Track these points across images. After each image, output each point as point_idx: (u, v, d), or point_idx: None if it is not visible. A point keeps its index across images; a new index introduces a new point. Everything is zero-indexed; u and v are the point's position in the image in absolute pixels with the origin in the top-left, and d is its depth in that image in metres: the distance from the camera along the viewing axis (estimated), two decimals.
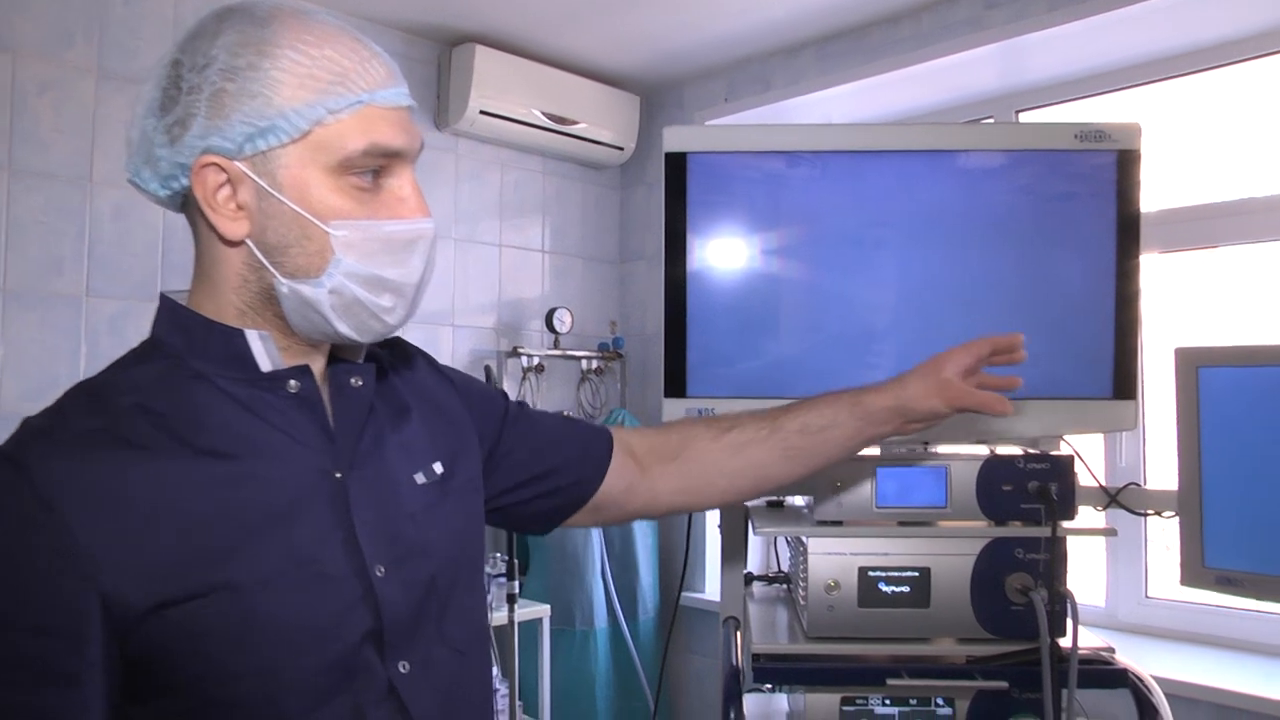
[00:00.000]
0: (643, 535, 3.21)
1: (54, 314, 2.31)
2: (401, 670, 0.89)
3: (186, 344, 0.88)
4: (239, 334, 0.87)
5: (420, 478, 0.98)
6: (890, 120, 3.19)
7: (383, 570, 0.89)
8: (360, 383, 0.94)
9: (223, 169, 0.84)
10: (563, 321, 3.20)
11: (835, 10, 2.82)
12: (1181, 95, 2.64)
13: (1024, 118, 2.88)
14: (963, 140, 1.45)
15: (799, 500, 1.50)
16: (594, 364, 3.39)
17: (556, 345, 3.24)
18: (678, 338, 1.47)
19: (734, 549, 1.55)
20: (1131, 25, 2.46)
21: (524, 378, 3.17)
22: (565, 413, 1.21)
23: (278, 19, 0.84)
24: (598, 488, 1.16)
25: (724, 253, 1.46)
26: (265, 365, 0.88)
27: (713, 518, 1.60)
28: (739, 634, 1.46)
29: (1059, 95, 2.81)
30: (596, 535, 3.07)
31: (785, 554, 1.62)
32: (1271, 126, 2.51)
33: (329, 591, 0.86)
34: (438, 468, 1.01)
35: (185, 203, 0.88)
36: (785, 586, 1.57)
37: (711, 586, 3.27)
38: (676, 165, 1.46)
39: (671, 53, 3.19)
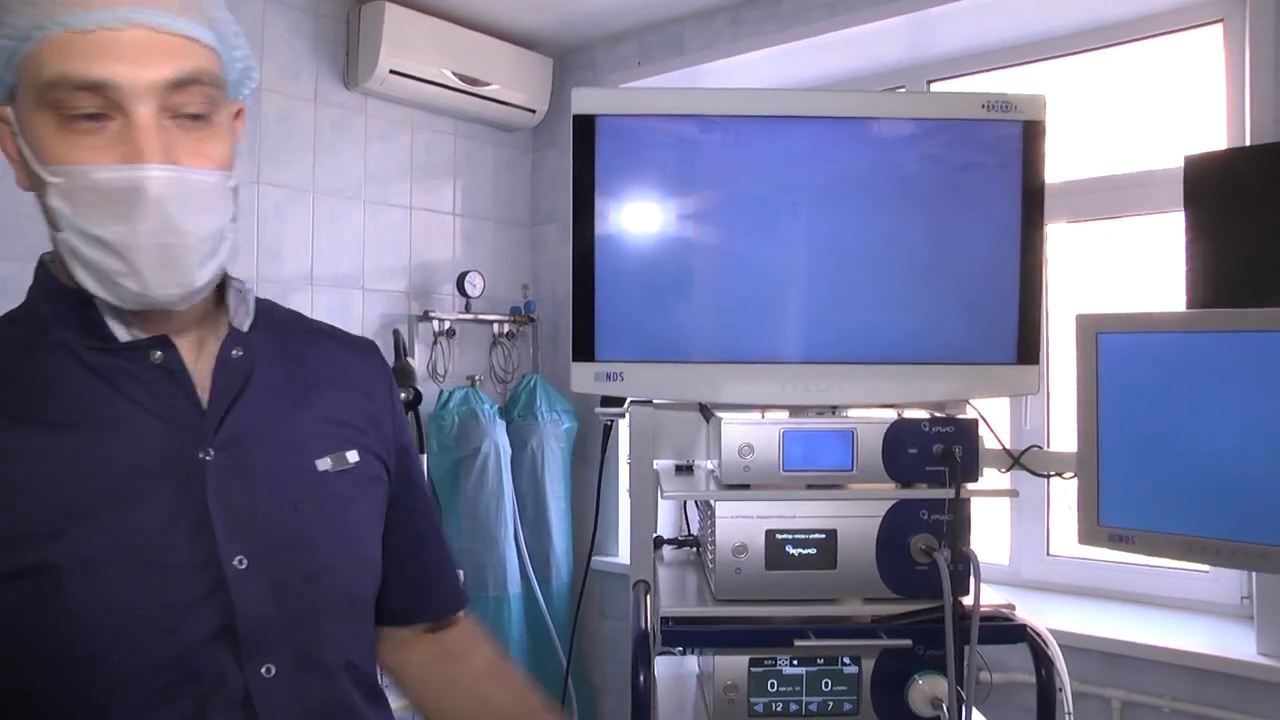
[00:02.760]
0: (555, 500, 3.20)
1: None
2: (264, 674, 0.82)
3: (52, 311, 0.83)
4: (90, 303, 0.82)
5: (325, 463, 0.92)
6: (803, 87, 3.20)
7: (244, 562, 0.82)
8: (240, 353, 0.89)
9: (3, 117, 0.81)
10: (474, 285, 3.16)
11: None
12: (1087, 70, 2.70)
13: (934, 88, 2.92)
14: (874, 108, 1.45)
15: (709, 464, 1.50)
16: (506, 328, 3.35)
17: (468, 309, 3.19)
18: (585, 301, 1.46)
19: (643, 513, 1.54)
20: (1036, 2, 2.51)
21: (435, 342, 3.12)
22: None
23: None
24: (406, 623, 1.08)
25: (633, 216, 1.45)
26: (122, 335, 0.83)
27: (623, 482, 1.60)
28: (649, 597, 1.46)
29: (968, 67, 2.85)
30: (510, 500, 3.05)
31: (693, 519, 1.62)
32: (1169, 102, 2.58)
33: (168, 581, 0.79)
34: (351, 456, 0.95)
35: None
36: (695, 550, 1.57)
37: (624, 550, 3.28)
38: (585, 127, 1.44)
39: (585, 15, 3.15)
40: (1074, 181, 2.59)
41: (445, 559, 1.13)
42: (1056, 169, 2.52)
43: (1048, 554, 2.64)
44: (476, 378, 3.19)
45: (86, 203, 0.77)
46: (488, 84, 3.19)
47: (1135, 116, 2.64)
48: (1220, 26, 2.46)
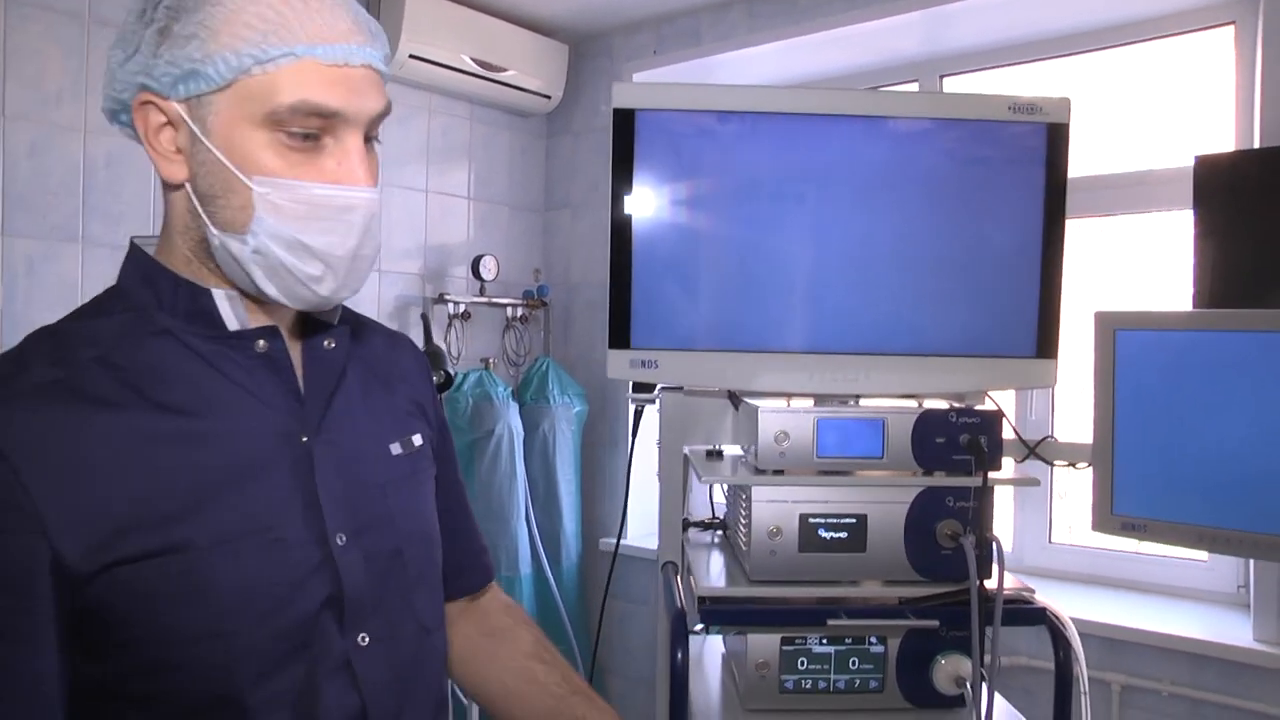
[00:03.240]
0: (566, 482, 3.26)
1: None
2: (360, 643, 0.89)
3: (154, 297, 0.87)
4: (206, 293, 0.86)
5: (396, 448, 0.98)
6: (817, 80, 3.24)
7: (344, 539, 0.88)
8: (333, 345, 0.94)
9: (162, 109, 0.82)
10: (488, 269, 3.20)
11: None
12: (1098, 68, 2.74)
13: (947, 83, 2.96)
14: (904, 107, 1.50)
15: (737, 450, 1.55)
16: (519, 311, 3.40)
17: (482, 292, 3.24)
18: (622, 291, 1.50)
19: (673, 497, 1.60)
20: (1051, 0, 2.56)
21: (450, 325, 3.16)
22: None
23: None
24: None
25: (668, 209, 1.49)
26: (233, 324, 0.87)
27: (651, 466, 1.65)
28: (679, 578, 1.52)
29: (981, 63, 2.89)
30: (521, 482, 3.11)
31: (717, 502, 1.68)
32: (1179, 102, 2.63)
33: (286, 557, 0.84)
34: (417, 439, 1.01)
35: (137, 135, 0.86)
36: (720, 533, 1.63)
37: (634, 533, 3.34)
38: (624, 121, 1.48)
39: (602, 3, 3.18)
40: (1082, 178, 2.63)
41: (477, 531, 1.20)
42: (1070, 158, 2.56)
43: (1049, 542, 2.71)
44: (490, 360, 3.23)
45: (297, 214, 0.82)
46: (504, 70, 3.22)
47: (1145, 115, 2.69)
48: (1231, 29, 2.51)
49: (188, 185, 0.83)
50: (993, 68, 2.89)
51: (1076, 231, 2.63)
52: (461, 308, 3.18)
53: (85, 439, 0.78)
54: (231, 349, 0.87)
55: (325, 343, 0.94)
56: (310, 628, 0.85)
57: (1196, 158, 2.22)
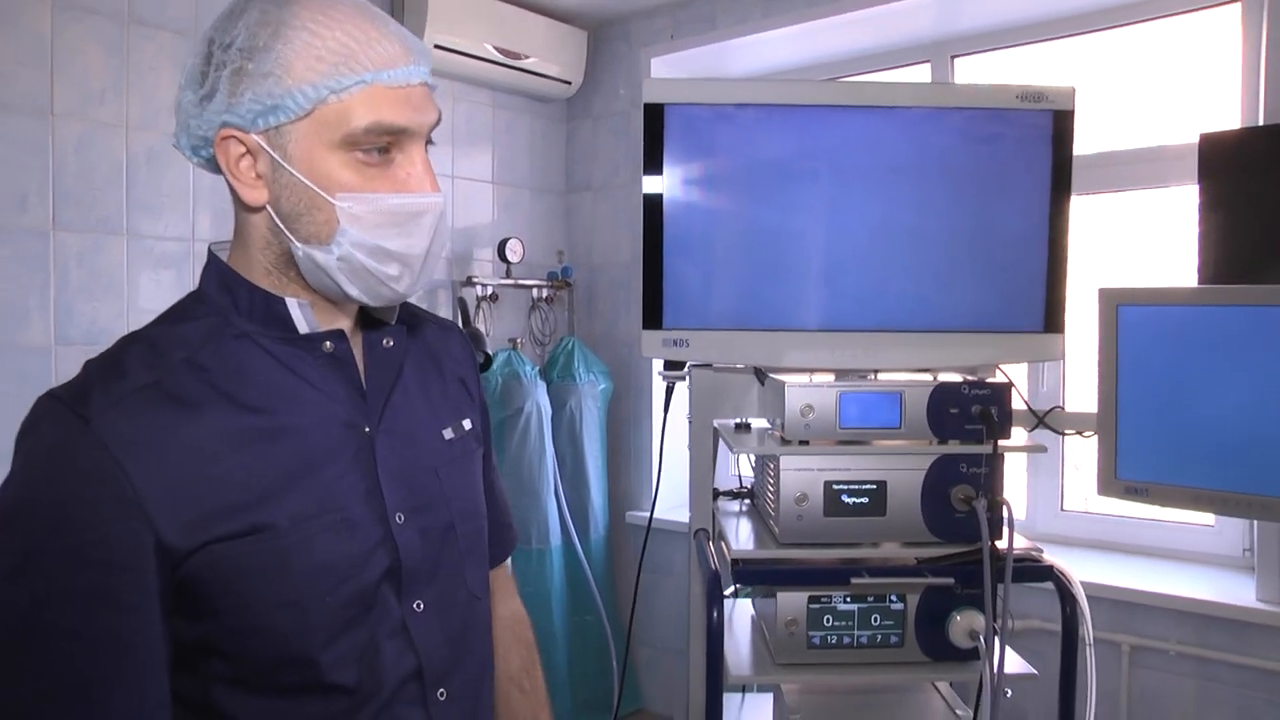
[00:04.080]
0: (593, 457, 3.37)
1: (23, 248, 2.33)
2: (415, 609, 0.99)
3: (233, 303, 0.96)
4: (280, 300, 0.96)
5: (449, 433, 1.08)
6: (831, 62, 3.32)
7: (402, 517, 0.98)
8: (391, 343, 1.04)
9: (242, 141, 0.90)
10: (514, 251, 3.30)
11: None
12: (1107, 46, 2.81)
13: (959, 63, 3.04)
14: (919, 98, 1.59)
15: (764, 422, 1.65)
16: (544, 292, 3.50)
17: (508, 274, 3.34)
18: (654, 275, 1.60)
19: (703, 468, 1.70)
20: None
21: (478, 306, 3.27)
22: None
23: (297, 0, 0.90)
24: None
25: (697, 197, 1.59)
26: (303, 328, 0.96)
27: (682, 438, 1.75)
28: (711, 544, 1.62)
29: (992, 43, 2.96)
30: (550, 458, 3.22)
31: (744, 473, 1.78)
32: (1187, 79, 2.70)
33: (353, 535, 0.94)
34: (466, 424, 1.12)
35: (219, 168, 0.95)
36: (748, 501, 1.73)
37: (659, 506, 3.44)
38: (654, 115, 1.57)
39: None
40: (1091, 155, 2.71)
41: (506, 505, 1.30)
42: (1075, 143, 2.63)
43: (1061, 509, 2.81)
44: (517, 340, 3.34)
45: (376, 223, 0.92)
46: (525, 57, 3.31)
47: (1153, 92, 2.76)
48: (1239, 6, 2.57)
49: (269, 207, 0.93)
50: (1003, 48, 2.96)
51: (1087, 208, 2.72)
52: (489, 290, 3.28)
53: (179, 436, 0.88)
54: (302, 350, 0.97)
55: (384, 341, 1.04)
56: (371, 596, 0.96)
57: (1201, 135, 2.30)
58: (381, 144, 0.91)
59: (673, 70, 3.48)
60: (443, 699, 1.00)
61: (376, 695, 0.95)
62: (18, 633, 0.83)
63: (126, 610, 0.85)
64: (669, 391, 1.77)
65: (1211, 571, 2.50)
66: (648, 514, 3.43)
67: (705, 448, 1.69)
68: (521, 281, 3.39)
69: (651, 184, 1.58)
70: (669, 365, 1.73)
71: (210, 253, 1.01)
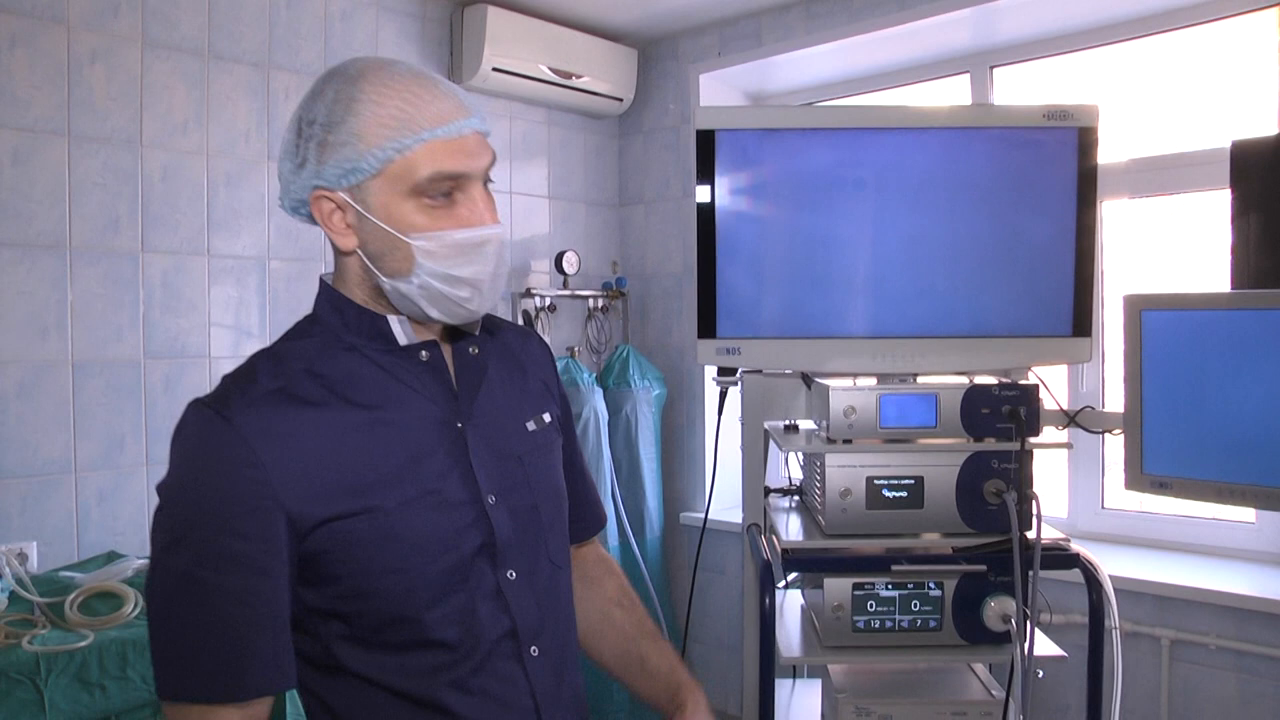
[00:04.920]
0: (648, 460, 3.50)
1: (115, 268, 2.51)
2: (509, 577, 1.15)
3: (343, 322, 1.13)
4: (383, 318, 1.13)
5: (532, 424, 1.24)
6: (872, 75, 3.42)
7: (493, 499, 1.14)
8: (476, 350, 1.20)
9: (330, 198, 1.08)
10: (571, 263, 3.44)
11: None
12: (1144, 54, 2.88)
13: (997, 73, 3.12)
14: (952, 118, 1.70)
15: (811, 423, 1.77)
16: (599, 302, 3.64)
17: (565, 285, 3.48)
18: (708, 288, 1.72)
19: (754, 467, 1.83)
20: None
21: (536, 316, 3.41)
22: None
23: (363, 75, 1.07)
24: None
25: (747, 215, 1.71)
26: (402, 340, 1.13)
27: (734, 440, 1.87)
28: (763, 537, 1.74)
29: (1029, 53, 3.05)
30: (607, 461, 3.36)
31: (793, 473, 1.90)
32: (1223, 85, 2.77)
33: (450, 513, 1.10)
34: (547, 416, 1.27)
35: (315, 220, 1.12)
36: (797, 497, 1.85)
37: (713, 507, 3.56)
38: (706, 141, 1.70)
39: (668, 9, 3.39)
40: (1128, 161, 2.78)
41: (591, 486, 1.45)
42: (1114, 149, 2.70)
43: (1102, 507, 2.88)
44: (574, 349, 3.48)
45: (447, 255, 1.08)
46: (579, 76, 3.45)
47: (1189, 98, 2.83)
48: (1275, 12, 2.62)
49: (359, 250, 1.10)
50: (1040, 58, 3.04)
51: (1121, 213, 2.80)
52: (547, 300, 3.43)
53: (304, 430, 1.05)
54: (402, 359, 1.14)
55: (470, 349, 1.20)
56: (469, 566, 1.11)
57: (1233, 142, 2.37)
58: (444, 188, 1.07)
59: (720, 85, 3.60)
60: (535, 655, 1.16)
61: (476, 650, 1.11)
62: (180, 588, 1.00)
63: (261, 573, 1.01)
64: (722, 396, 1.89)
65: (1251, 567, 2.57)
66: (702, 515, 3.56)
67: (757, 448, 1.82)
68: (578, 292, 3.53)
69: (705, 203, 1.71)
70: (722, 372, 1.86)
71: (323, 281, 1.18)
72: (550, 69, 3.35)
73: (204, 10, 2.68)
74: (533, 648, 1.16)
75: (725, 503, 3.54)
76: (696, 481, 3.64)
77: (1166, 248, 2.81)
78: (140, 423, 2.52)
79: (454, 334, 1.19)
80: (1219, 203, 2.69)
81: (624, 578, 1.44)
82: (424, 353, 1.14)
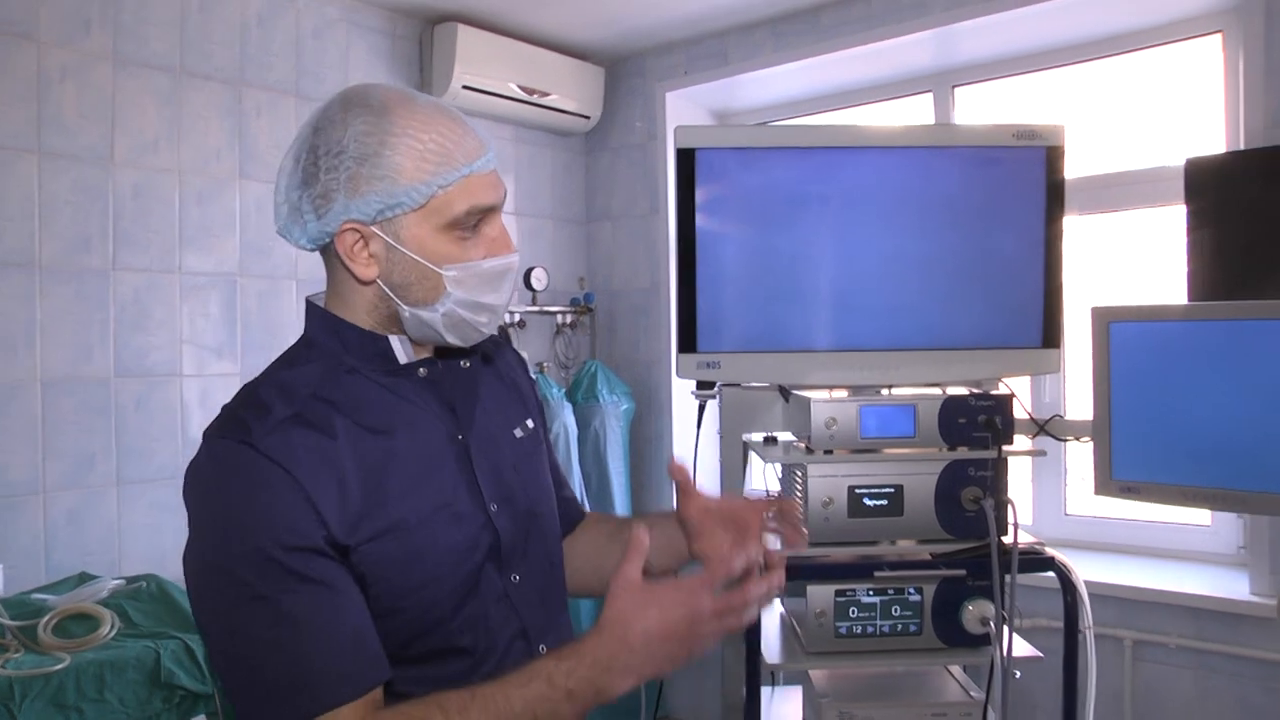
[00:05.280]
0: (617, 474, 3.52)
1: (85, 287, 2.49)
2: (513, 580, 1.18)
3: (342, 345, 1.14)
4: (385, 339, 1.15)
5: (519, 432, 1.27)
6: (836, 93, 3.49)
7: (495, 507, 1.17)
8: (468, 365, 1.23)
9: (358, 230, 1.09)
10: (539, 279, 3.46)
11: None
12: (1098, 74, 2.98)
13: (959, 93, 3.20)
14: (924, 138, 1.76)
15: (789, 435, 1.81)
16: (568, 318, 3.67)
17: (534, 302, 3.50)
18: (688, 303, 1.76)
19: (733, 478, 1.86)
20: (1052, 16, 2.79)
21: (505, 333, 3.43)
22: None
23: (390, 108, 1.07)
24: None
25: (726, 232, 1.75)
26: (402, 359, 1.15)
27: (705, 452, 1.91)
28: None
29: (990, 73, 3.13)
30: (576, 476, 3.38)
31: (765, 483, 1.93)
32: (1173, 104, 2.87)
33: (462, 525, 1.13)
34: (529, 424, 1.30)
35: (325, 249, 1.13)
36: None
37: None
38: (686, 159, 1.74)
39: (636, 28, 3.43)
40: (1084, 178, 2.87)
41: (566, 484, 1.48)
42: (1069, 166, 2.78)
43: (1065, 514, 2.95)
44: (543, 365, 3.50)
45: (475, 284, 1.11)
46: (547, 94, 3.48)
47: (1143, 118, 2.92)
48: (1219, 37, 2.73)
49: (379, 281, 1.11)
50: (1000, 78, 3.13)
51: (1082, 228, 2.88)
52: (516, 317, 3.45)
53: (325, 454, 1.06)
54: (402, 378, 1.16)
55: (462, 363, 1.23)
56: (479, 573, 1.14)
57: (1187, 160, 2.46)
58: (475, 221, 1.10)
59: (686, 103, 3.65)
60: (544, 653, 1.18)
61: (491, 654, 1.14)
62: (272, 621, 0.99)
63: (337, 572, 1.02)
64: (701, 409, 1.93)
65: (1208, 569, 2.65)
66: None
67: (736, 459, 1.85)
68: (546, 308, 3.55)
69: (685, 220, 1.74)
70: (700, 385, 1.89)
71: (313, 305, 1.19)
72: (519, 86, 3.38)
73: (176, 28, 2.67)
74: (541, 646, 1.19)
75: None
76: (665, 495, 3.67)
77: (1118, 262, 2.90)
78: (110, 442, 2.50)
79: (443, 350, 1.22)
80: (1162, 218, 2.78)
81: (614, 516, 1.48)
82: (422, 370, 1.17)
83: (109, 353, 2.53)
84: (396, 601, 1.08)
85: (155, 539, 2.57)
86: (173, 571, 2.54)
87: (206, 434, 1.06)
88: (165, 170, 2.65)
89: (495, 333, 1.18)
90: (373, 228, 1.08)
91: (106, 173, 2.53)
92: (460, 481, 1.15)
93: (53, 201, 2.44)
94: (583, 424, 3.46)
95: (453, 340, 1.14)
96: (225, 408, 1.09)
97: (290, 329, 2.88)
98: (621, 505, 3.53)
